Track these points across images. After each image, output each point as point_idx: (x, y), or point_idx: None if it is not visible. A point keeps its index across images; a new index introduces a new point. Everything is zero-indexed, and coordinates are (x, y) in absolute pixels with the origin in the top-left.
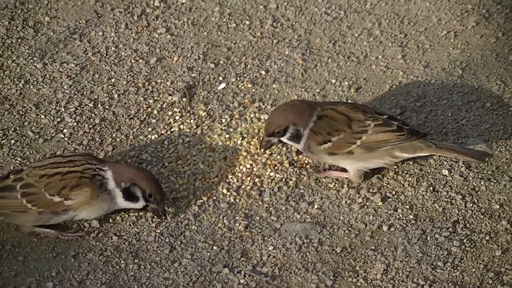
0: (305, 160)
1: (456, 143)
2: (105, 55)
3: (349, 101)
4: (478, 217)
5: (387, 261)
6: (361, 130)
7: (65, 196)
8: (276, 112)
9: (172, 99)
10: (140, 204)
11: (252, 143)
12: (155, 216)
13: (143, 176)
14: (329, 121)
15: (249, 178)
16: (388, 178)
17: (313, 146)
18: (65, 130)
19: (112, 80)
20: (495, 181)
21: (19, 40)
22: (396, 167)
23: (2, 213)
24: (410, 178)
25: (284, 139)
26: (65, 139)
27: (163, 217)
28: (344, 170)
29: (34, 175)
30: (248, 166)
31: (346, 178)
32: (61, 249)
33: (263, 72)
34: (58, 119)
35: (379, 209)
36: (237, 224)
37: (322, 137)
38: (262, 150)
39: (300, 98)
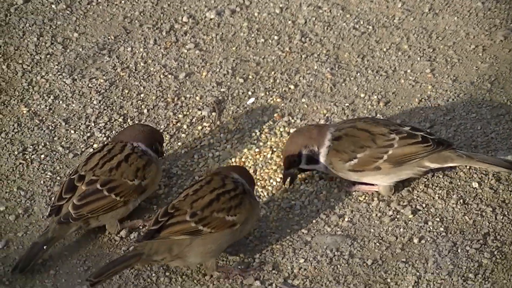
0: None
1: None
2: (134, 70)
3: (366, 116)
4: (508, 229)
5: (418, 273)
6: (387, 145)
7: (141, 177)
8: (287, 143)
9: (201, 113)
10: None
11: (282, 157)
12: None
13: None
14: (351, 139)
15: (279, 192)
16: (418, 191)
17: (336, 164)
18: (95, 145)
19: (142, 95)
20: None
21: (48, 56)
22: (426, 179)
23: (92, 218)
24: (440, 191)
25: (302, 165)
26: None
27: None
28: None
29: (102, 173)
30: (278, 179)
31: (376, 191)
32: (92, 263)
33: (292, 87)
34: (88, 134)
35: (410, 222)
36: (268, 237)
37: (347, 155)
38: (285, 185)
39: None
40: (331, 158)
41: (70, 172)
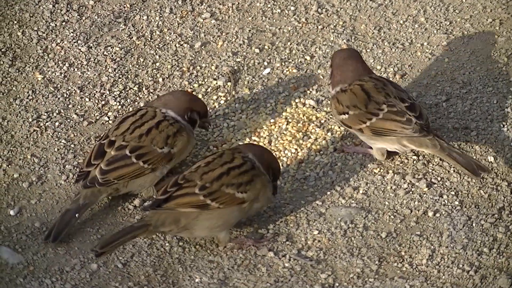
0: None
1: (463, 150)
2: (149, 39)
3: (390, 79)
4: None
5: (432, 246)
6: (374, 113)
7: (171, 145)
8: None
9: (217, 83)
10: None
11: (296, 128)
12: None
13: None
14: (351, 96)
15: (294, 163)
16: (433, 164)
17: (334, 111)
18: (109, 113)
19: (157, 64)
20: None
21: (64, 23)
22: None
23: (119, 184)
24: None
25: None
26: (110, 122)
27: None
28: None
29: (131, 139)
30: (293, 150)
31: (371, 154)
32: (105, 231)
33: (308, 58)
34: (103, 102)
35: (425, 195)
36: (283, 208)
37: (342, 108)
38: None
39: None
40: (333, 104)
41: (101, 136)
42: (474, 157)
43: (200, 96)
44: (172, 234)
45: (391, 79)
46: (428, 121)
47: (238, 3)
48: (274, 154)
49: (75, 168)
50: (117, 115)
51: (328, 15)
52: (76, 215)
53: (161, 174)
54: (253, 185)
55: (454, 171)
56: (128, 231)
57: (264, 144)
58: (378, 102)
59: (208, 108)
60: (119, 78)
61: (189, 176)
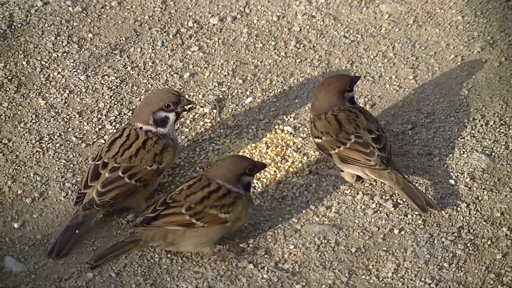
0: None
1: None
2: (143, 69)
3: (364, 108)
4: (481, 224)
5: (397, 261)
6: (342, 141)
7: (159, 161)
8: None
9: (203, 110)
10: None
11: (275, 152)
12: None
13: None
14: (325, 123)
15: (273, 184)
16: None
17: (312, 135)
18: (105, 136)
19: (149, 92)
20: (497, 191)
21: (64, 54)
22: (407, 176)
23: (117, 202)
24: (420, 187)
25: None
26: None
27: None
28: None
29: (122, 160)
30: (272, 172)
31: (342, 177)
32: (101, 243)
33: (286, 88)
34: (99, 126)
35: (391, 214)
36: (262, 225)
37: (317, 132)
38: None
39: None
40: (311, 127)
41: (94, 156)
42: (437, 180)
43: (188, 122)
44: (161, 248)
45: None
46: (391, 153)
47: (224, 37)
48: (236, 158)
49: (74, 185)
50: None
51: (306, 50)
52: (76, 231)
53: (152, 188)
54: (235, 207)
55: None
56: (120, 246)
57: None
58: (348, 132)
59: (179, 96)
60: (115, 104)
61: (175, 197)
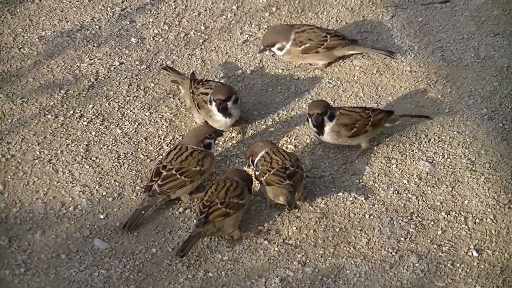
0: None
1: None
2: (189, 108)
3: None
4: (426, 210)
5: (368, 237)
6: (322, 40)
7: (201, 165)
8: (267, 34)
9: (231, 134)
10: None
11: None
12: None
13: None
14: (306, 35)
15: None
16: (369, 185)
17: (293, 50)
18: (163, 153)
19: (194, 123)
20: (437, 187)
21: (134, 97)
22: (373, 178)
23: (170, 192)
24: (383, 185)
25: (274, 49)
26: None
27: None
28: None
29: (176, 163)
30: None
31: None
32: (161, 228)
33: (289, 119)
34: (159, 147)
35: (363, 204)
36: (273, 213)
37: (300, 43)
38: (258, 54)
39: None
40: (291, 48)
41: (157, 163)
42: (395, 180)
43: (221, 143)
44: (214, 235)
45: None
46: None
47: (244, 85)
48: (247, 173)
49: (142, 188)
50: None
51: (301, 92)
52: (142, 212)
53: (197, 184)
54: (245, 194)
55: (382, 189)
56: (191, 239)
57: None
58: (321, 35)
59: (215, 128)
60: (169, 132)
61: (210, 199)
